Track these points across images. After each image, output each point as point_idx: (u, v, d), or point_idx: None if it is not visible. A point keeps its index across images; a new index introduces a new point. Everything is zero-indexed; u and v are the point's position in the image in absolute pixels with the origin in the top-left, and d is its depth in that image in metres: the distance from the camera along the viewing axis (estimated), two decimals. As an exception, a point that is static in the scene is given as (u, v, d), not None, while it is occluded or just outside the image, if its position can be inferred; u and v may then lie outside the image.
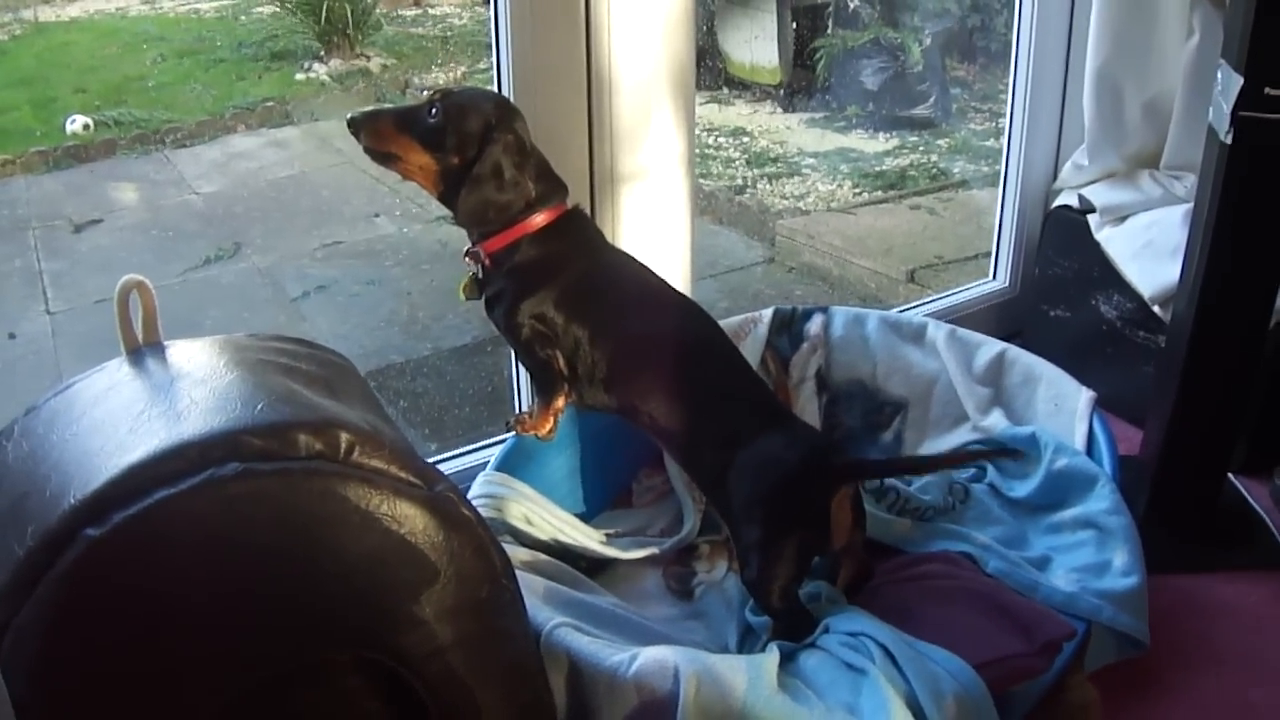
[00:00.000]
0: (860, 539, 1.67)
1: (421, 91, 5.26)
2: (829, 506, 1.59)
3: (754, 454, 1.60)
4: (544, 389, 1.71)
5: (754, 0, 5.75)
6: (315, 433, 1.13)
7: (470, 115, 1.63)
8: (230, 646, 1.07)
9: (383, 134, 1.64)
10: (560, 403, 1.71)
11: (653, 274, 1.77)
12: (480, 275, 1.71)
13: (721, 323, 1.81)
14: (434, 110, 1.63)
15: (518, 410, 2.06)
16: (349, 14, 5.64)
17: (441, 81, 5.63)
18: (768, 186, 4.98)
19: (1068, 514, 1.77)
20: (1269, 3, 1.70)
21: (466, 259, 1.72)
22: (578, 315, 1.67)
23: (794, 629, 1.55)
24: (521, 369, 2.08)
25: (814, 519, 1.58)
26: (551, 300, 1.66)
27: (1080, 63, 2.48)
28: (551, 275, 1.67)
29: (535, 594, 1.53)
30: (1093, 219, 2.46)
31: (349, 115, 1.64)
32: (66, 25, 5.99)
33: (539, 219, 1.67)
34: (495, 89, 1.96)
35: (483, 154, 1.63)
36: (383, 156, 1.66)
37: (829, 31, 5.79)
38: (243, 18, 6.28)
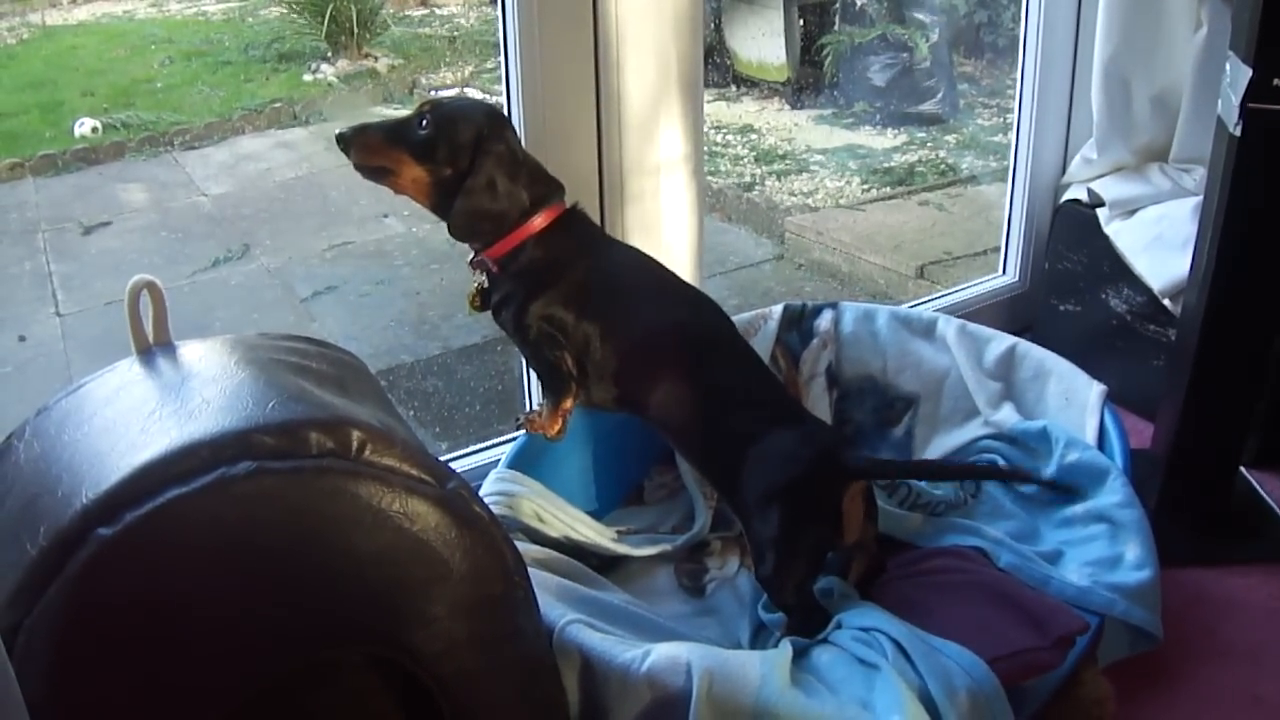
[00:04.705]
0: (873, 534, 1.67)
1: (430, 92, 5.29)
2: (841, 503, 1.59)
3: (766, 450, 1.60)
4: (552, 390, 1.71)
5: (760, -3, 5.75)
6: (327, 431, 1.13)
7: (461, 125, 1.63)
8: (242, 645, 1.07)
9: (373, 148, 1.63)
10: (569, 403, 1.71)
11: (660, 266, 1.77)
12: (486, 283, 1.71)
13: (731, 319, 1.81)
14: (424, 122, 1.62)
15: (527, 409, 2.06)
16: (356, 15, 5.65)
17: (449, 81, 5.64)
18: (776, 183, 4.98)
19: (1080, 508, 1.76)
20: (1278, -6, 1.70)
21: (472, 268, 1.72)
22: (586, 313, 1.67)
23: (807, 625, 1.55)
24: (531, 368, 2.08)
25: (826, 515, 1.58)
26: (560, 300, 1.66)
27: (1088, 56, 2.48)
28: (558, 275, 1.67)
29: (548, 591, 1.53)
30: (1102, 213, 2.46)
31: (337, 132, 1.63)
32: (74, 29, 6.01)
33: (539, 221, 1.67)
34: (504, 88, 1.96)
35: (475, 166, 1.62)
36: (374, 171, 1.65)
37: (836, 28, 5.78)
38: (250, 19, 6.30)
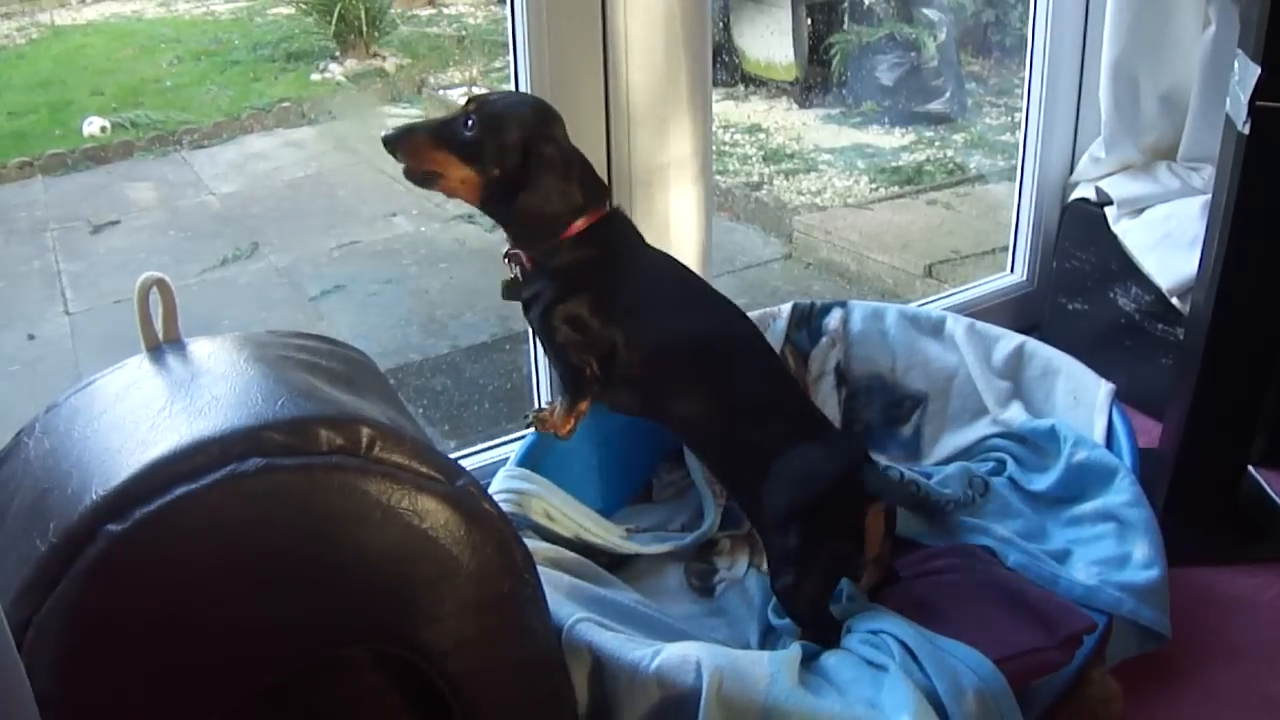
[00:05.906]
0: (890, 548, 1.66)
1: (437, 91, 5.29)
2: (864, 520, 1.58)
3: (790, 463, 1.60)
4: (571, 390, 1.71)
5: (768, -4, 5.75)
6: (336, 428, 1.13)
7: (508, 125, 1.61)
8: (251, 642, 1.07)
9: (420, 151, 1.61)
10: (585, 406, 1.72)
11: (692, 274, 1.77)
12: (519, 276, 1.71)
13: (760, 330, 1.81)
14: (469, 122, 1.60)
15: (537, 406, 2.06)
16: (364, 14, 5.65)
17: (457, 80, 5.64)
18: (784, 183, 4.97)
19: (1088, 507, 1.76)
20: (1287, -8, 1.70)
21: (506, 260, 1.72)
22: (614, 319, 1.67)
23: (821, 638, 1.55)
24: (541, 366, 2.08)
25: (849, 532, 1.58)
26: (588, 304, 1.66)
27: (1096, 55, 2.47)
28: (589, 279, 1.67)
29: (557, 589, 1.53)
30: (1110, 211, 2.46)
31: (383, 134, 1.62)
32: (83, 28, 6.01)
33: (579, 223, 1.66)
34: (512, 87, 1.96)
35: (527, 169, 1.61)
36: (423, 176, 1.63)
37: (844, 27, 5.78)
38: (258, 19, 6.30)
